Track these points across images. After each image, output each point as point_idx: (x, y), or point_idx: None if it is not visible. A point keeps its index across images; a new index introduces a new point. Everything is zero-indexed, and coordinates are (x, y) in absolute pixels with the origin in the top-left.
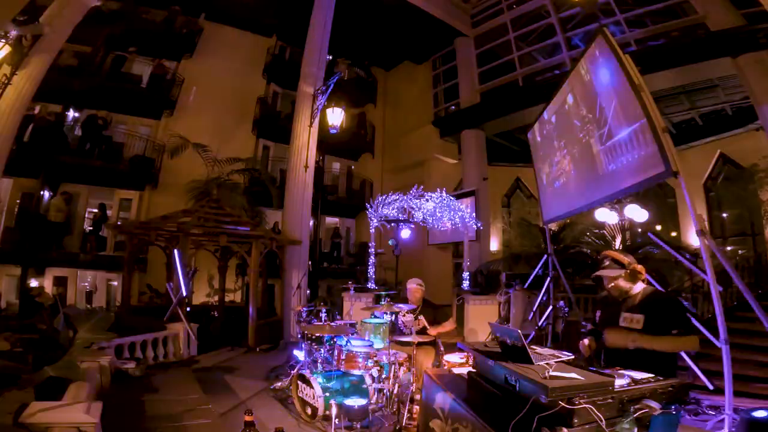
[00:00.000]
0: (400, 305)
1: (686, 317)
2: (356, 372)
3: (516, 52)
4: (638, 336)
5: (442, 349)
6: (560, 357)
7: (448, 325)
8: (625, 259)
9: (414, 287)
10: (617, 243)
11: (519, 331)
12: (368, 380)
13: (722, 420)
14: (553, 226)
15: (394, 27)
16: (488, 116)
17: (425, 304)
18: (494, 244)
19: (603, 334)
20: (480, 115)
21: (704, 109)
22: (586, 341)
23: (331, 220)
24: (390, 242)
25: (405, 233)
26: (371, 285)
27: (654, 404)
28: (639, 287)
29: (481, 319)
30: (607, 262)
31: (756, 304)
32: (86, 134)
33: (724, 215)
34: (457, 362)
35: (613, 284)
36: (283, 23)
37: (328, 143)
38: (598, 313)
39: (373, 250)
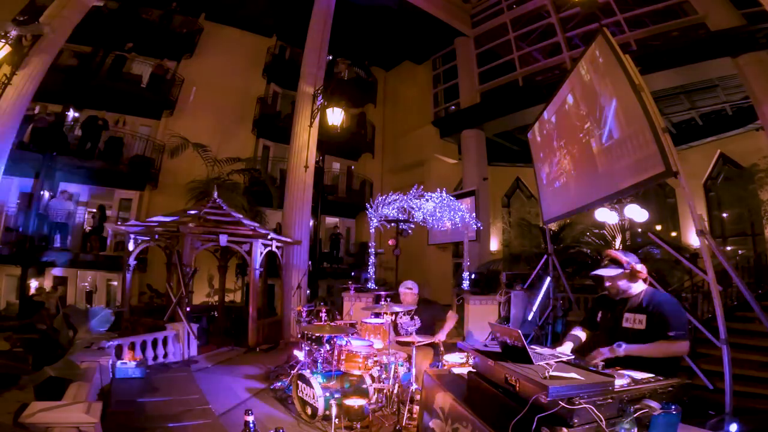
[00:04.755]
0: (398, 307)
1: (684, 321)
2: (356, 372)
3: (516, 52)
4: (626, 345)
5: (442, 349)
6: (560, 357)
7: (450, 321)
8: (624, 259)
9: (403, 291)
10: (617, 243)
11: (519, 331)
12: (368, 380)
13: (722, 420)
14: (553, 226)
15: (394, 27)
16: (488, 116)
17: (424, 303)
18: (494, 244)
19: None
20: (480, 115)
21: (704, 109)
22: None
23: (331, 220)
24: (390, 242)
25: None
26: (371, 285)
27: (654, 404)
28: (640, 287)
29: (481, 319)
30: (606, 262)
31: (756, 304)
32: (86, 134)
33: (724, 215)
34: (457, 362)
35: (611, 284)
36: (283, 23)
37: (328, 143)
38: (599, 314)
39: (373, 250)
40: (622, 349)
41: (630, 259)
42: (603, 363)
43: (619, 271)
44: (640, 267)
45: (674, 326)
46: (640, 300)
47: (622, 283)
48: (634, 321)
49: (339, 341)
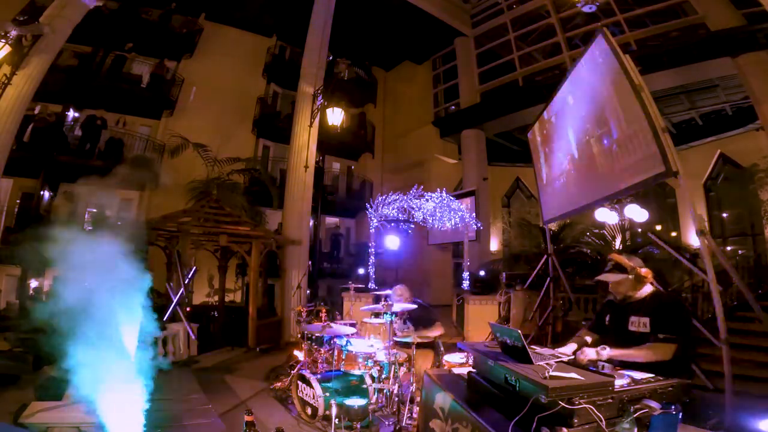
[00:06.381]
0: (398, 307)
1: (681, 324)
2: (356, 372)
3: (516, 52)
4: (609, 349)
5: (442, 349)
6: (560, 357)
7: (433, 333)
8: (629, 263)
9: (396, 300)
10: (617, 243)
11: (519, 331)
12: (368, 380)
13: (722, 420)
14: (553, 226)
15: (394, 27)
16: (488, 116)
17: (419, 307)
18: (494, 244)
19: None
20: (480, 115)
21: (704, 109)
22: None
23: (331, 220)
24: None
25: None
26: (371, 285)
27: (654, 404)
28: (646, 290)
29: (481, 319)
30: (610, 266)
31: (756, 304)
32: (86, 134)
33: (724, 215)
34: (457, 362)
35: (614, 289)
36: (283, 23)
37: (328, 143)
38: (607, 317)
39: (373, 250)
40: (606, 352)
41: (634, 264)
42: (603, 363)
43: (623, 276)
44: (645, 271)
45: (667, 328)
46: (645, 303)
47: (626, 288)
48: (639, 324)
49: (339, 341)
